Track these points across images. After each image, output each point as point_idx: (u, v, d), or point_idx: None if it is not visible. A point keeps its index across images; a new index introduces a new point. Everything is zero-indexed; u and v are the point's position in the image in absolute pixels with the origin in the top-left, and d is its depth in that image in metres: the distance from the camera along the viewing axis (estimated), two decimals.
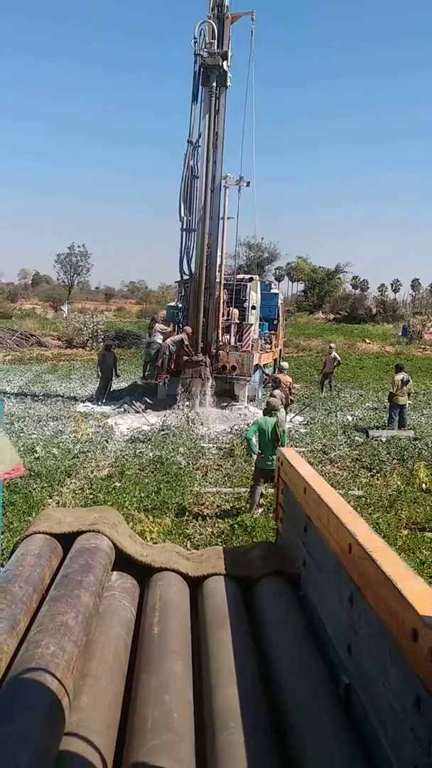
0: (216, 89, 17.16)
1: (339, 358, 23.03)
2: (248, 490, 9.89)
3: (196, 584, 3.14)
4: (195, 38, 16.95)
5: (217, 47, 16.82)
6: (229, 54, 17.15)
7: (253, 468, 10.10)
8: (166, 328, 20.22)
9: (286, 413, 15.26)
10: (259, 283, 22.27)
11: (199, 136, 17.37)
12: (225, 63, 16.91)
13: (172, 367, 17.81)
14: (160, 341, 19.28)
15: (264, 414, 9.96)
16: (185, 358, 17.53)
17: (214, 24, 16.94)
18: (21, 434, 14.06)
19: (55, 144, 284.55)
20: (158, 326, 20.69)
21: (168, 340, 17.95)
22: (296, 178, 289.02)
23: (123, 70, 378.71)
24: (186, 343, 17.55)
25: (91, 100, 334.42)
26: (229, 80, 17.38)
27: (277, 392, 13.57)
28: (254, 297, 20.60)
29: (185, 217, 17.76)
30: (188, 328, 17.85)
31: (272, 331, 23.35)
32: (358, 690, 2.09)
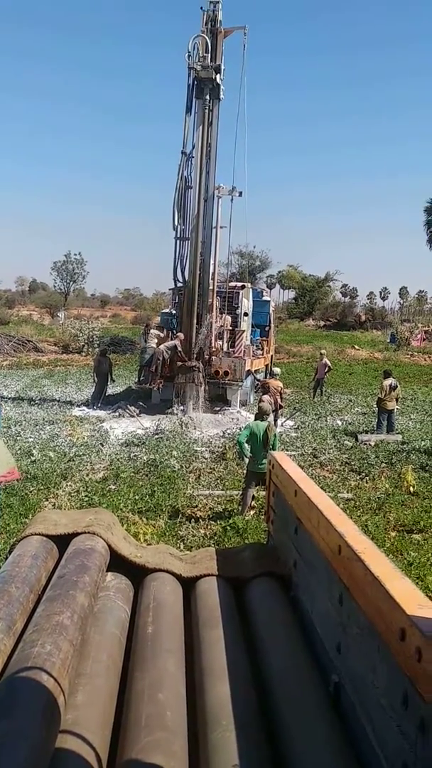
0: (209, 102, 17.31)
1: (330, 364, 23.11)
2: (240, 492, 9.93)
3: (189, 585, 3.16)
4: (189, 52, 17.12)
5: (211, 61, 16.98)
6: (222, 68, 17.31)
7: (244, 471, 10.15)
8: (160, 333, 20.29)
9: (276, 418, 15.32)
10: (250, 290, 22.38)
11: (193, 147, 17.47)
12: (218, 76, 17.09)
13: (166, 372, 17.88)
14: (154, 346, 19.34)
15: (256, 418, 10.01)
16: (179, 363, 17.60)
17: (207, 38, 17.07)
18: (18, 438, 14.11)
19: (51, 150, 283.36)
20: (153, 332, 20.76)
21: (161, 346, 18.01)
22: (287, 185, 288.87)
23: (121, 77, 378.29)
24: (179, 348, 17.61)
25: (90, 108, 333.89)
26: (222, 93, 17.53)
27: (266, 397, 13.64)
28: (246, 304, 20.69)
29: (179, 226, 17.83)
30: (181, 335, 17.92)
31: (264, 338, 23.41)
32: (348, 688, 2.11)
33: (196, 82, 17.16)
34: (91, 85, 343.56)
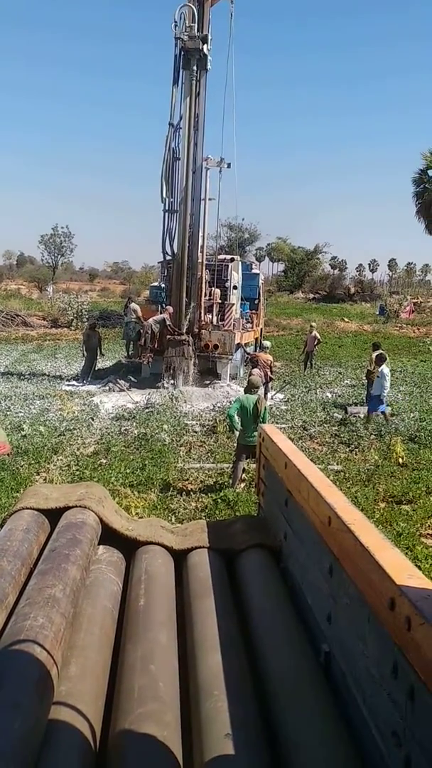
0: (196, 72, 17.06)
1: (319, 336, 23.12)
2: (231, 465, 9.97)
3: (180, 557, 3.18)
4: (175, 22, 16.84)
5: (197, 31, 16.71)
6: (209, 38, 17.05)
7: (235, 444, 10.18)
8: (137, 307, 20.25)
9: (266, 391, 15.35)
10: (240, 263, 22.26)
11: (180, 118, 17.27)
12: (205, 46, 16.84)
13: (156, 346, 17.84)
14: (134, 320, 19.38)
15: (245, 392, 10.02)
16: (168, 337, 17.55)
17: (194, 7, 16.80)
18: (8, 413, 14.09)
19: (39, 118, 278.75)
20: (132, 305, 20.75)
21: (150, 320, 17.93)
22: (275, 153, 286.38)
23: (111, 41, 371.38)
24: (168, 322, 17.56)
25: (80, 71, 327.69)
26: (209, 63, 17.29)
27: (255, 371, 13.66)
28: (235, 277, 20.60)
29: (167, 199, 17.67)
30: (170, 308, 17.86)
31: (253, 311, 23.33)
32: (338, 657, 2.14)
33: (183, 53, 16.90)
34: (67, 42, 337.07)
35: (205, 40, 16.81)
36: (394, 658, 1.63)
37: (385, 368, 14.37)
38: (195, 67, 16.98)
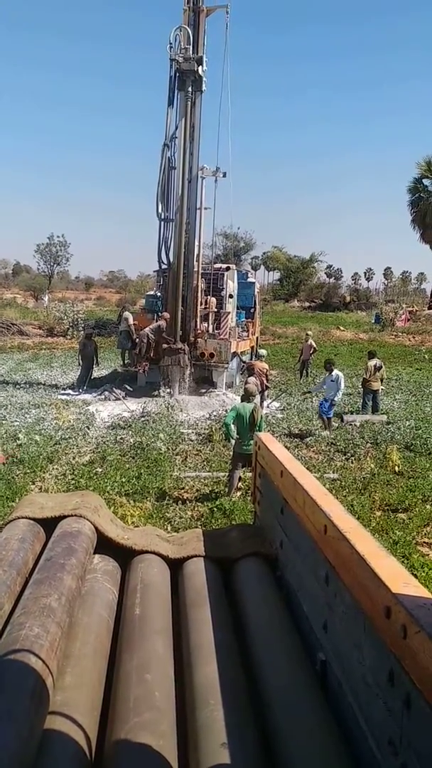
0: (192, 94, 17.22)
1: (315, 345, 23.17)
2: (227, 474, 9.96)
3: (176, 566, 3.18)
4: (170, 43, 17.01)
5: (192, 53, 16.87)
6: (204, 59, 17.21)
7: (231, 453, 10.18)
8: (129, 315, 20.27)
9: (262, 399, 15.35)
10: (235, 272, 22.31)
11: (176, 128, 17.40)
12: (200, 68, 16.99)
13: (152, 354, 17.85)
14: (127, 329, 19.41)
15: (242, 400, 10.02)
16: (164, 346, 17.57)
17: (189, 30, 16.96)
18: (3, 421, 14.07)
19: (35, 125, 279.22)
20: (125, 314, 20.81)
21: (146, 329, 17.94)
22: (270, 162, 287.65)
23: (111, 45, 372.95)
24: (163, 329, 17.57)
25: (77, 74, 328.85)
26: (204, 85, 17.44)
27: (251, 379, 13.67)
28: (231, 286, 20.64)
29: (163, 209, 17.80)
30: (166, 314, 17.88)
31: (249, 319, 23.36)
32: (334, 666, 2.14)
33: (178, 74, 17.06)
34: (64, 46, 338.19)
35: (200, 62, 16.98)
36: (390, 666, 1.63)
37: (337, 372, 14.35)
38: (190, 89, 17.14)
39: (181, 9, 17.30)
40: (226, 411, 14.97)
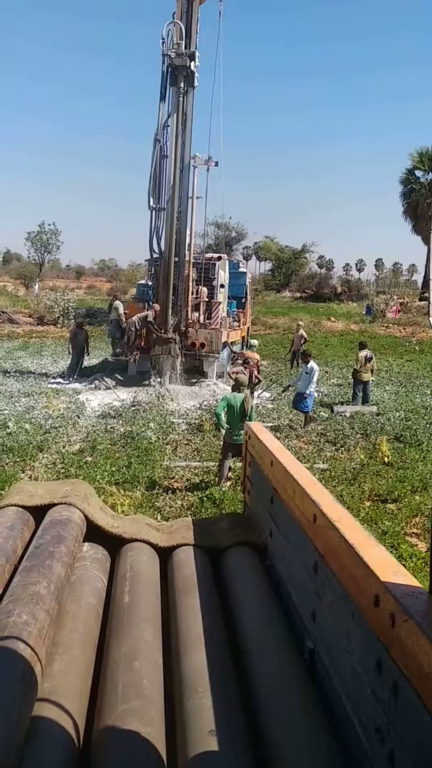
0: (183, 89, 17.16)
1: (306, 335, 23.18)
2: (217, 464, 9.98)
3: (165, 554, 3.17)
4: (163, 39, 16.95)
5: (185, 48, 16.81)
6: (197, 54, 17.17)
7: (221, 442, 10.19)
8: (119, 305, 20.26)
9: (253, 390, 15.36)
10: (227, 262, 22.27)
11: (168, 116, 17.34)
12: (192, 63, 16.93)
13: (141, 343, 17.83)
14: (117, 318, 19.38)
15: (232, 390, 10.03)
16: (155, 335, 17.54)
17: (181, 24, 16.88)
18: None
19: (30, 106, 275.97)
20: (115, 303, 20.77)
21: (134, 317, 17.91)
22: (262, 150, 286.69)
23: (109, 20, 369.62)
24: (150, 319, 17.51)
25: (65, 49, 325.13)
26: (196, 81, 17.40)
27: (240, 369, 13.63)
28: (222, 276, 20.61)
29: (153, 198, 17.74)
30: (156, 306, 17.84)
31: (240, 310, 23.35)
32: (322, 654, 2.14)
33: (170, 70, 16.99)
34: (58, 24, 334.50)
35: (192, 57, 16.93)
36: (378, 654, 1.63)
37: (313, 364, 14.17)
38: (182, 84, 17.08)
39: None
40: (216, 401, 14.97)
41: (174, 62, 16.74)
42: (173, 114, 17.20)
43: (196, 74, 17.31)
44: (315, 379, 13.99)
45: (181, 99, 17.14)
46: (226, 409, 9.58)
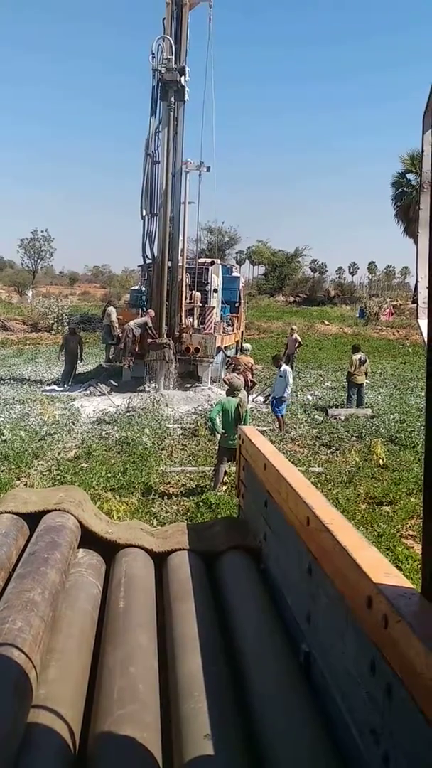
0: (174, 104, 17.26)
1: (300, 339, 23.23)
2: (212, 468, 9.98)
3: (160, 559, 3.17)
4: (153, 54, 17.02)
5: (175, 63, 16.90)
6: (187, 69, 17.30)
7: (216, 447, 10.20)
8: (112, 310, 20.29)
9: (248, 395, 15.37)
10: (220, 266, 22.36)
11: (160, 122, 17.40)
12: (183, 78, 17.03)
13: (136, 349, 17.84)
14: (110, 324, 19.40)
15: (227, 395, 10.04)
16: (149, 340, 17.56)
17: (171, 39, 16.98)
18: None
19: (24, 110, 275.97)
20: (109, 309, 20.79)
21: (131, 323, 17.92)
22: (254, 155, 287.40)
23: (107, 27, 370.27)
24: (149, 325, 17.56)
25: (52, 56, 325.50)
26: (186, 95, 17.50)
27: (234, 374, 13.62)
28: (216, 280, 20.69)
29: (146, 207, 17.81)
30: (152, 312, 17.87)
31: (234, 314, 23.42)
32: (317, 656, 2.14)
33: (160, 84, 17.05)
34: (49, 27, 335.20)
35: (182, 72, 17.05)
36: (372, 656, 1.63)
37: (285, 367, 14.19)
38: (173, 99, 17.19)
39: (164, 2, 17.26)
40: (211, 405, 14.98)
41: (164, 77, 16.86)
42: (164, 128, 17.30)
43: (187, 88, 17.43)
44: (290, 381, 13.98)
45: (171, 113, 17.29)
46: (220, 414, 9.59)
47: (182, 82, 17.08)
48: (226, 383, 10.46)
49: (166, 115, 17.26)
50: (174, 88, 17.10)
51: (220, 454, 9.67)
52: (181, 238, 18.39)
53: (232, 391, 9.91)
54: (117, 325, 19.11)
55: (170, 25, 17.17)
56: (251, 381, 15.87)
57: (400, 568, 2.92)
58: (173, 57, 16.93)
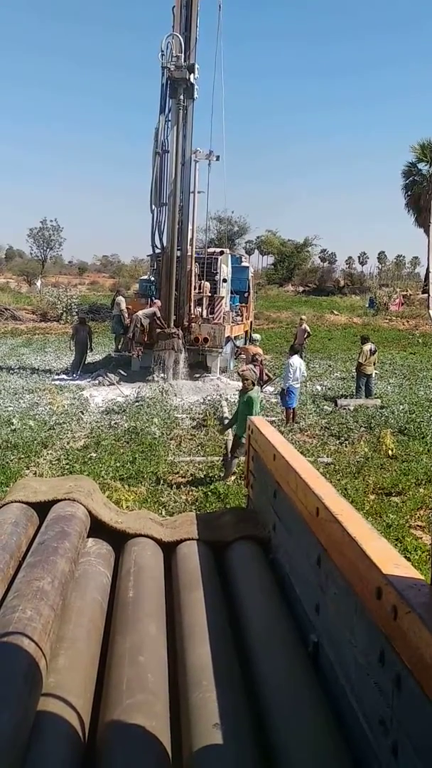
0: (183, 101, 17.19)
1: (309, 329, 23.15)
2: (221, 458, 9.99)
3: (170, 549, 3.18)
4: (162, 51, 16.96)
5: (184, 60, 16.86)
6: (196, 66, 17.21)
7: (225, 437, 10.20)
8: (121, 300, 20.25)
9: (263, 387, 15.26)
10: (229, 256, 22.29)
11: (169, 111, 17.33)
12: (192, 76, 16.96)
13: (145, 339, 17.85)
14: (120, 313, 19.39)
15: (246, 388, 9.89)
16: (158, 330, 17.55)
17: (180, 37, 16.93)
18: None
19: (28, 106, 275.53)
20: (118, 298, 20.80)
21: (139, 313, 17.92)
22: (264, 145, 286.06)
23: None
24: (158, 315, 17.56)
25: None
26: (196, 92, 17.42)
27: (249, 366, 13.56)
28: (225, 270, 20.63)
29: (156, 197, 17.77)
30: (158, 302, 17.88)
31: (243, 304, 23.36)
32: (326, 647, 2.14)
33: (169, 82, 17.00)
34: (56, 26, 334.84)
35: (192, 69, 16.98)
36: (381, 646, 1.64)
37: (292, 360, 14.00)
38: (182, 97, 17.12)
39: None
40: (219, 396, 15.00)
41: (173, 75, 16.81)
42: (174, 126, 17.24)
43: (196, 86, 17.37)
44: (293, 373, 13.74)
45: (180, 111, 17.23)
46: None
47: (191, 79, 17.02)
48: (240, 376, 10.40)
49: (175, 113, 17.20)
50: (183, 85, 17.05)
51: (235, 445, 9.60)
52: (190, 227, 18.36)
53: (251, 383, 9.82)
54: (126, 315, 19.11)
55: (179, 13, 17.07)
56: (267, 375, 15.56)
57: (409, 559, 2.93)
58: (182, 55, 16.89)
